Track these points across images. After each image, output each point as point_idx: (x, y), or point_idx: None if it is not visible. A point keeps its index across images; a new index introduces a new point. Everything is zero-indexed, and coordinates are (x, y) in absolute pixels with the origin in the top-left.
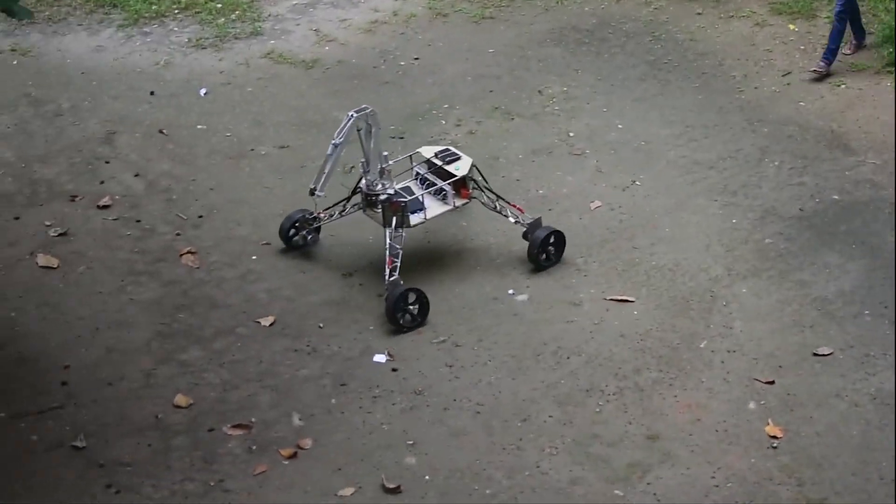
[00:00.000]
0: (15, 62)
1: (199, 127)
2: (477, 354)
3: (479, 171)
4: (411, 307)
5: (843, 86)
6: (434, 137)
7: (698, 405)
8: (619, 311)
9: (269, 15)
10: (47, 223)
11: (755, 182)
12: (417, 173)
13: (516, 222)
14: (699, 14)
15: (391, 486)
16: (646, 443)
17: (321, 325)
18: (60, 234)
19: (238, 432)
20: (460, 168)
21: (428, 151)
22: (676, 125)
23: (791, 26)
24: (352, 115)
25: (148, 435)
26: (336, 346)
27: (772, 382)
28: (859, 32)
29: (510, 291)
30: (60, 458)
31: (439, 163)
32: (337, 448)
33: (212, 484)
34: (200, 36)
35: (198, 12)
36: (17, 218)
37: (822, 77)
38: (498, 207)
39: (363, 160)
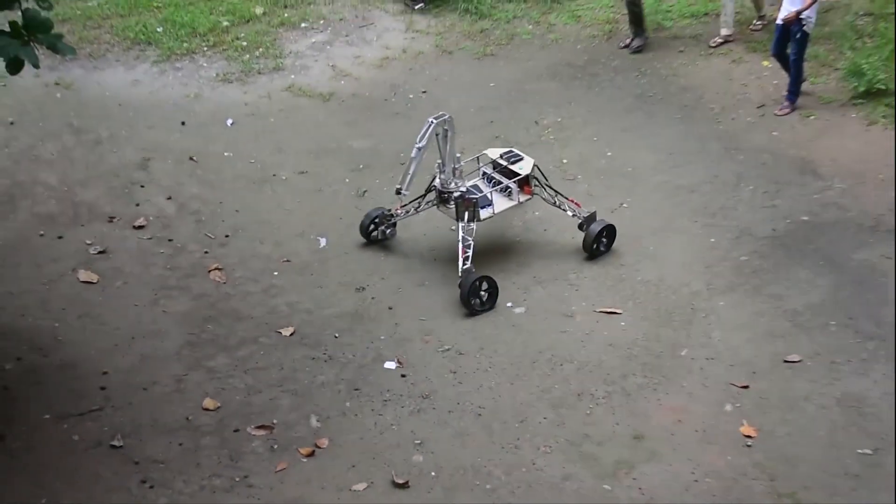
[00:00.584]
0: (59, 95)
1: (225, 154)
2: (478, 362)
3: (539, 170)
4: (483, 293)
5: (812, 117)
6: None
7: (680, 408)
8: (608, 323)
9: (290, 52)
10: (88, 242)
11: (732, 205)
12: (484, 172)
13: (574, 216)
14: (681, 52)
15: (400, 481)
16: (632, 442)
17: (336, 335)
18: (100, 252)
19: (261, 433)
20: (524, 167)
21: (494, 153)
22: (660, 153)
23: (765, 63)
24: (431, 122)
25: (179, 435)
26: (350, 354)
27: (746, 387)
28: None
29: (509, 304)
30: (99, 457)
31: (504, 163)
32: (351, 447)
33: (237, 480)
34: (227, 71)
35: (224, 49)
36: (60, 237)
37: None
38: (557, 203)
39: (439, 161)
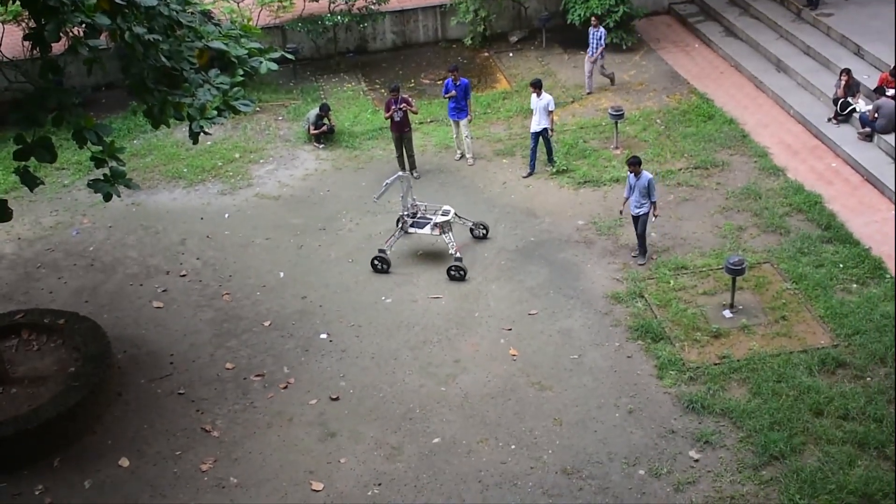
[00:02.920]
0: (133, 210)
1: (226, 232)
2: (370, 329)
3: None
4: (377, 262)
5: (529, 186)
6: (340, 228)
7: (476, 343)
8: (435, 303)
9: (255, 175)
10: (156, 286)
11: (494, 235)
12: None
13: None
14: (457, 160)
15: (334, 396)
16: (454, 364)
17: (293, 322)
18: (163, 291)
19: (258, 379)
20: (445, 216)
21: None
22: (456, 208)
23: (504, 160)
24: (398, 174)
25: (214, 384)
26: (301, 332)
27: (510, 329)
28: (547, 153)
29: (383, 297)
30: (172, 399)
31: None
32: (306, 381)
33: (247, 404)
34: (223, 188)
35: (220, 177)
36: (140, 285)
37: (528, 177)
38: (448, 240)
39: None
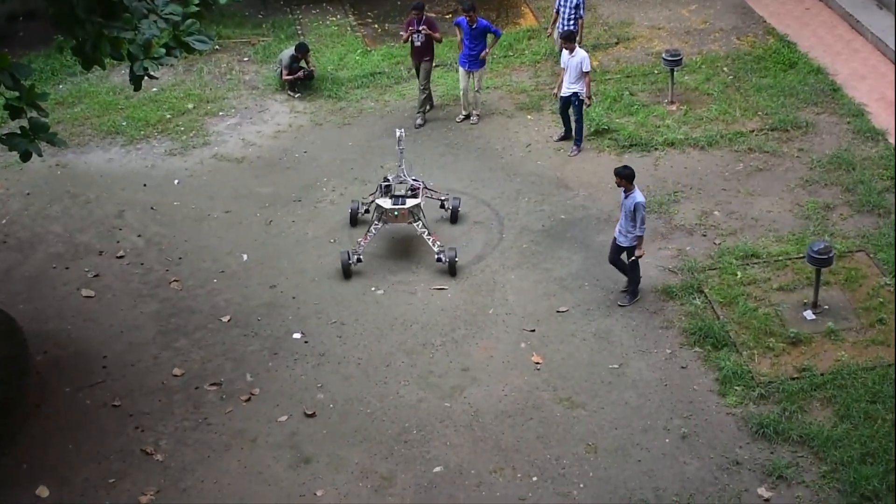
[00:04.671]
0: (59, 172)
1: (175, 203)
2: (355, 328)
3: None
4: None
5: (561, 150)
6: (320, 199)
7: (490, 347)
8: (439, 295)
9: (213, 132)
10: (86, 269)
11: (515, 211)
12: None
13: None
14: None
15: (310, 412)
16: (461, 373)
17: (259, 318)
18: (95, 276)
19: (213, 388)
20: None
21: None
22: (465, 180)
23: (528, 117)
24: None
25: (158, 394)
26: (269, 330)
27: (533, 330)
28: (573, 132)
29: (373, 288)
30: (105, 413)
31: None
32: (274, 392)
33: (199, 421)
34: (172, 147)
35: (169, 133)
36: (66, 268)
37: (561, 140)
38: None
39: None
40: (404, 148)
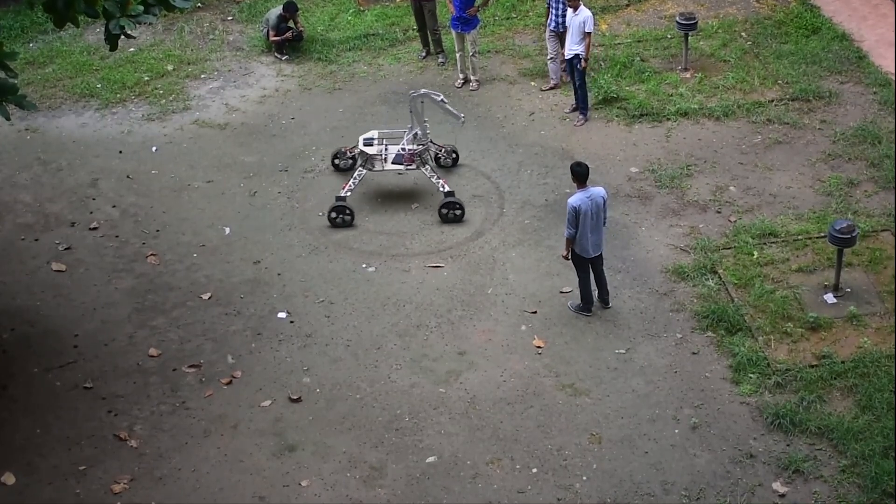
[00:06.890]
0: (28, 137)
1: (153, 172)
2: (344, 308)
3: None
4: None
5: (566, 120)
6: (308, 169)
7: (489, 330)
8: (434, 274)
9: (194, 96)
10: (57, 242)
11: (516, 184)
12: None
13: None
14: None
15: (295, 397)
16: (457, 357)
17: (242, 296)
18: (66, 249)
19: (192, 370)
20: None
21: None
22: (463, 150)
23: (532, 83)
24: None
25: (133, 376)
26: (252, 309)
27: (535, 312)
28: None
29: (364, 265)
30: (76, 395)
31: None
32: (257, 375)
33: (177, 405)
34: (150, 112)
35: (147, 97)
36: (36, 239)
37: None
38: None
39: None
40: (444, 106)
